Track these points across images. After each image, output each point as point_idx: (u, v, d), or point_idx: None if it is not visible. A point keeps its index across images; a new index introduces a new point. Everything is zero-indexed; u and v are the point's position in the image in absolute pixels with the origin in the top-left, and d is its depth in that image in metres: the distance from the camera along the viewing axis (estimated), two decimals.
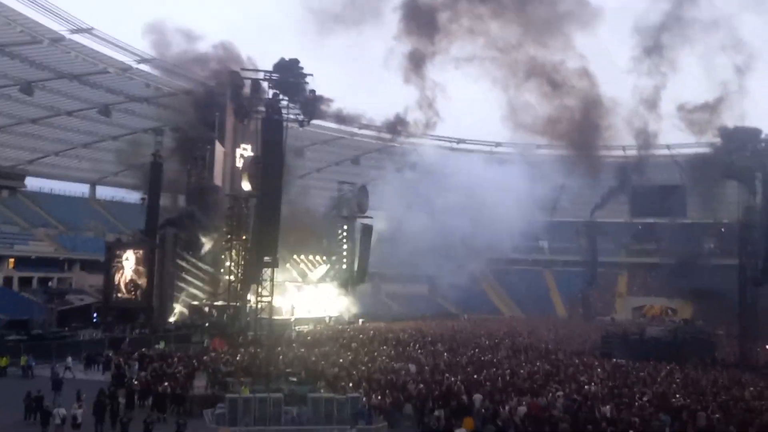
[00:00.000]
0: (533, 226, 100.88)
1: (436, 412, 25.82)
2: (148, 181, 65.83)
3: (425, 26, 70.42)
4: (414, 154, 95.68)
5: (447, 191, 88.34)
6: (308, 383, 29.36)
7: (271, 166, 57.60)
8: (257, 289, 58.46)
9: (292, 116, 61.56)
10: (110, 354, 41.66)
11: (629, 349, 48.30)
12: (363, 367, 36.10)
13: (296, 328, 61.88)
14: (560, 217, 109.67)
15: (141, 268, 60.06)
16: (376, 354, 42.62)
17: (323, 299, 75.10)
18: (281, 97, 60.18)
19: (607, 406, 26.72)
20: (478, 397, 27.97)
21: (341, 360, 38.88)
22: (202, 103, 68.02)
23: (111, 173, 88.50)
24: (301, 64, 61.73)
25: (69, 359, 38.77)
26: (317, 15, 72.01)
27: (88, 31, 61.94)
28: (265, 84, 62.63)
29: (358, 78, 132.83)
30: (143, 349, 42.94)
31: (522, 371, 36.20)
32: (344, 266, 77.25)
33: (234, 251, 60.86)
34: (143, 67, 69.78)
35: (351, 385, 30.74)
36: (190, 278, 62.13)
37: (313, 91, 63.13)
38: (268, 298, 58.53)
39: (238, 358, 40.08)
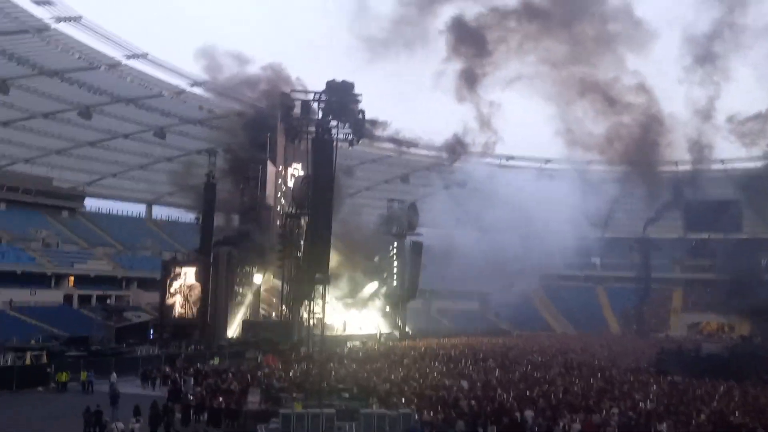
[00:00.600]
0: (585, 243, 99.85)
1: (489, 429, 25.74)
2: (202, 201, 67.16)
3: (474, 45, 70.62)
4: (463, 172, 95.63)
5: (497, 208, 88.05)
6: (360, 399, 29.52)
7: (321, 184, 58.34)
8: (309, 306, 59.03)
9: (341, 136, 62.30)
10: (166, 369, 42.44)
11: (685, 366, 47.29)
12: (414, 384, 36.10)
13: (348, 344, 62.13)
14: (613, 233, 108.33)
15: (196, 286, 61.13)
16: (427, 370, 42.61)
17: (374, 316, 75.36)
18: (331, 117, 60.89)
19: (664, 424, 26.28)
20: (530, 414, 27.80)
21: (393, 376, 38.95)
22: (254, 125, 69.39)
23: (166, 194, 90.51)
24: (351, 84, 62.54)
25: (113, 375, 39.61)
26: (365, 41, 73.22)
27: (143, 56, 63.86)
28: (314, 104, 63.62)
29: (406, 100, 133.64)
30: (198, 365, 43.72)
31: (575, 388, 35.82)
32: (395, 283, 77.48)
33: (286, 269, 61.61)
34: (196, 90, 71.61)
35: (403, 401, 30.83)
36: (243, 295, 63.03)
37: (362, 111, 63.86)
38: (320, 315, 59.06)
39: (291, 374, 40.51)
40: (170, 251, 78.90)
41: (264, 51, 77.28)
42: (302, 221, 62.30)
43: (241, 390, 33.44)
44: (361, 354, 53.81)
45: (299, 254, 61.53)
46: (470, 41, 70.36)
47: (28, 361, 42.43)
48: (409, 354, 53.31)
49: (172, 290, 61.49)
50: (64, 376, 39.66)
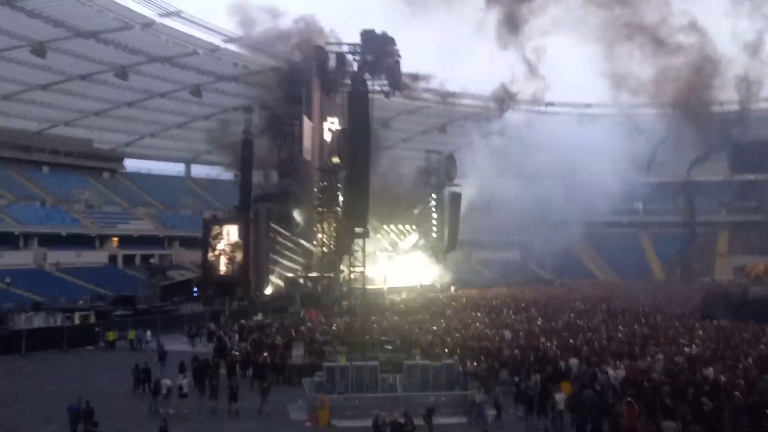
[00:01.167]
0: (628, 188, 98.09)
1: (533, 378, 25.66)
2: (240, 158, 67.38)
3: None
4: (502, 120, 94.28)
5: (537, 155, 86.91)
6: (403, 351, 29.60)
7: (358, 138, 57.95)
8: (350, 260, 59.23)
9: (377, 88, 61.68)
10: (211, 326, 43.08)
11: (732, 310, 46.40)
12: (457, 334, 36.17)
13: (389, 297, 62.38)
14: (656, 177, 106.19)
15: (237, 243, 61.72)
16: (469, 321, 42.65)
17: (415, 268, 75.38)
18: (366, 69, 60.29)
19: (710, 369, 25.91)
20: (574, 362, 27.60)
21: (435, 328, 39.06)
22: (289, 79, 69.02)
23: (204, 152, 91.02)
24: (386, 35, 61.80)
25: (148, 333, 40.27)
26: None
27: (176, 14, 63.56)
28: (349, 57, 62.94)
29: (448, 53, 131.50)
30: (242, 321, 44.29)
31: (619, 335, 35.51)
32: (434, 234, 77.29)
33: (326, 223, 61.83)
34: (230, 46, 71.23)
35: (446, 352, 30.87)
36: (284, 251, 63.51)
37: (398, 62, 63.14)
38: (361, 269, 59.25)
39: (333, 327, 40.84)
40: (210, 209, 79.80)
41: (298, 3, 75.96)
42: (340, 175, 62.19)
43: (285, 344, 33.81)
44: (402, 306, 53.98)
45: (338, 208, 61.58)
46: None
47: (76, 321, 43.57)
48: (450, 305, 53.41)
49: (213, 248, 62.20)
50: (112, 335, 40.52)
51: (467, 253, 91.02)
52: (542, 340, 33.55)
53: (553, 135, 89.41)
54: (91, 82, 71.11)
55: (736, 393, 22.04)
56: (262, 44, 71.17)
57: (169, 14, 63.50)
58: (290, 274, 63.42)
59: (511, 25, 70.45)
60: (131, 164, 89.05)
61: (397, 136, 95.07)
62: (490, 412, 24.13)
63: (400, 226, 76.83)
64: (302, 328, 40.23)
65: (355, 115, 59.02)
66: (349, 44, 65.47)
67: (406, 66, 68.51)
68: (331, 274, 61.20)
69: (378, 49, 62.84)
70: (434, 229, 77.36)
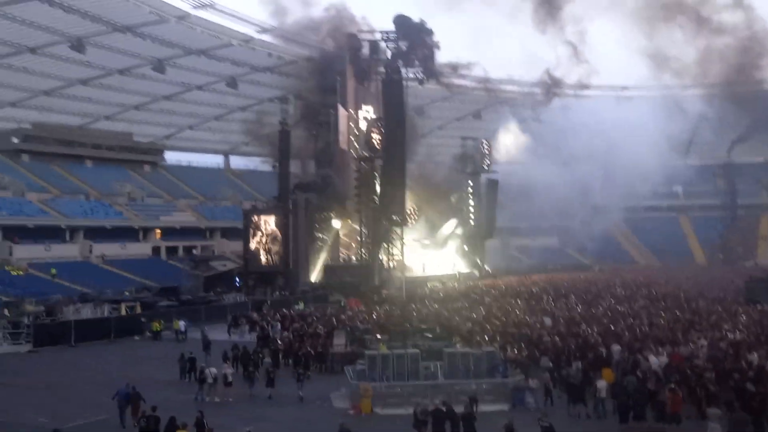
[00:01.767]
0: (667, 171, 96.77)
1: (574, 365, 25.65)
2: (277, 149, 67.89)
3: None
4: (537, 104, 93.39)
5: (575, 139, 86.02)
6: (443, 339, 29.76)
7: (393, 126, 58.04)
8: (388, 248, 59.38)
9: (411, 75, 61.58)
10: (254, 316, 43.66)
11: None
12: (497, 322, 36.20)
13: (428, 284, 62.49)
14: (695, 160, 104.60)
15: (277, 233, 62.27)
16: (509, 308, 42.62)
17: (453, 255, 75.37)
18: (400, 59, 60.15)
19: (755, 354, 25.67)
20: (616, 348, 27.50)
21: (474, 315, 39.15)
22: (323, 69, 69.23)
23: (242, 143, 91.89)
24: (422, 24, 61.62)
25: (181, 323, 40.92)
26: None
27: (210, 5, 64.14)
28: (383, 44, 62.88)
29: (486, 41, 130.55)
30: (284, 310, 44.81)
31: (661, 321, 35.27)
32: (472, 222, 77.12)
33: (364, 212, 62.08)
34: (264, 37, 71.65)
35: (486, 339, 30.96)
36: (323, 240, 63.96)
37: (431, 48, 62.96)
38: (399, 257, 59.38)
39: (374, 316, 41.14)
40: (250, 200, 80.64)
41: None
42: (377, 164, 62.35)
43: (326, 333, 34.19)
44: (441, 294, 54.04)
45: (375, 197, 61.78)
46: None
47: (123, 312, 44.51)
48: (489, 293, 53.35)
49: (254, 238, 62.83)
50: (157, 325, 41.32)
51: (505, 240, 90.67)
52: (583, 326, 33.46)
53: (590, 118, 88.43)
54: (129, 76, 72.24)
55: None
56: (295, 34, 71.50)
57: (203, 6, 64.11)
58: (329, 263, 63.89)
59: (551, 7, 69.40)
60: (171, 157, 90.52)
61: (432, 123, 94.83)
62: (531, 399, 24.25)
63: (438, 214, 76.67)
64: (343, 316, 40.59)
65: (389, 103, 59.09)
66: (382, 32, 65.45)
67: (444, 54, 68.43)
68: (370, 263, 61.44)
69: (413, 36, 62.71)
70: (471, 216, 77.16)
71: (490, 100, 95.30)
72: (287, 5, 71.05)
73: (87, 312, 43.92)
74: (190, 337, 39.18)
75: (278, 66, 77.66)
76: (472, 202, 77.45)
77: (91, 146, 79.25)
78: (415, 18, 63.65)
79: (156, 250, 74.03)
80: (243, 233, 64.59)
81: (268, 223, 62.90)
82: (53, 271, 59.06)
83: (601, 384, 22.98)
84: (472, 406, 20.58)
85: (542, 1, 70.00)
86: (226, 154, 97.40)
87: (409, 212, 64.00)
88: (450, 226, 77.03)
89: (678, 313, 38.03)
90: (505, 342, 30.33)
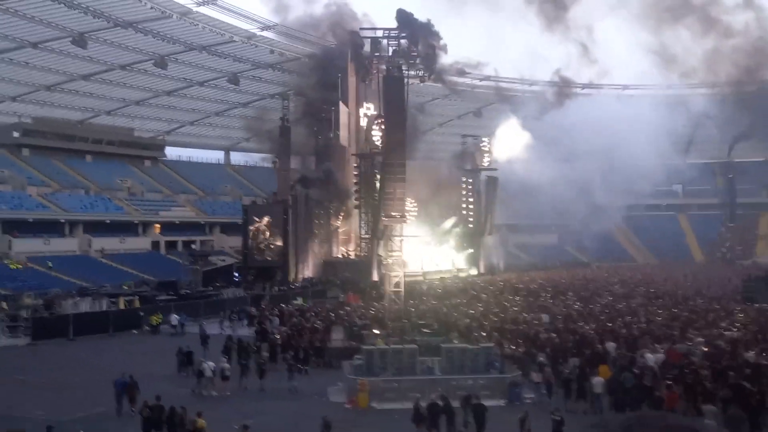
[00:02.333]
0: (666, 170, 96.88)
1: (570, 361, 25.73)
2: (278, 145, 67.94)
3: None
4: (538, 102, 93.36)
5: (574, 137, 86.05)
6: (441, 334, 29.86)
7: (394, 123, 57.94)
8: (387, 244, 59.44)
9: (413, 72, 61.59)
10: (252, 311, 43.75)
11: None
12: (494, 318, 36.29)
13: (427, 280, 62.58)
14: (694, 158, 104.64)
15: (276, 229, 62.33)
16: (506, 304, 42.71)
17: (452, 252, 75.43)
18: (400, 56, 60.12)
19: (751, 352, 25.74)
20: (612, 345, 27.62)
21: (472, 311, 39.24)
22: (324, 66, 69.24)
23: (243, 139, 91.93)
24: (428, 24, 61.72)
25: (174, 316, 41.00)
26: None
27: (212, 2, 64.04)
28: (384, 42, 62.88)
29: (493, 42, 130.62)
30: (282, 305, 44.91)
31: (658, 318, 35.36)
32: (471, 219, 77.16)
33: (363, 208, 62.11)
34: (267, 34, 71.61)
35: (484, 335, 31.05)
36: (322, 236, 64.01)
37: (433, 46, 62.99)
38: (398, 253, 59.38)
39: (372, 311, 41.22)
40: (250, 195, 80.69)
41: None
42: (377, 160, 62.38)
43: (324, 328, 34.30)
44: (440, 290, 54.14)
45: (375, 194, 61.82)
46: None
47: (121, 306, 44.63)
48: (487, 289, 53.46)
49: (253, 233, 62.91)
50: (155, 319, 41.41)
51: (504, 237, 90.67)
52: (580, 323, 33.57)
53: (590, 116, 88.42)
54: (131, 72, 72.24)
55: None
56: (297, 31, 71.51)
57: (205, 2, 64.07)
58: (329, 259, 63.95)
59: (557, 9, 69.11)
60: (172, 152, 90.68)
61: (433, 120, 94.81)
62: (528, 395, 24.34)
63: (437, 211, 76.65)
64: (341, 312, 40.68)
65: (390, 101, 59.00)
66: (384, 29, 65.41)
67: (453, 55, 68.50)
68: (369, 259, 61.51)
69: (415, 32, 62.71)
70: (470, 213, 77.17)
71: (495, 98, 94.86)
72: (289, 2, 71.21)
73: (85, 306, 43.99)
74: (188, 331, 39.31)
75: (280, 63, 77.64)
76: (471, 200, 77.49)
77: (92, 141, 79.32)
78: (422, 19, 63.81)
79: (155, 244, 74.15)
80: (242, 228, 64.69)
81: (268, 218, 62.96)
82: (49, 264, 59.19)
83: (597, 380, 23.07)
84: (468, 404, 20.75)
85: (548, 2, 69.76)
86: (226, 150, 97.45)
87: (408, 209, 63.98)
88: (449, 223, 77.03)
89: (675, 311, 38.13)
90: (503, 338, 30.43)
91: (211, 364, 26.32)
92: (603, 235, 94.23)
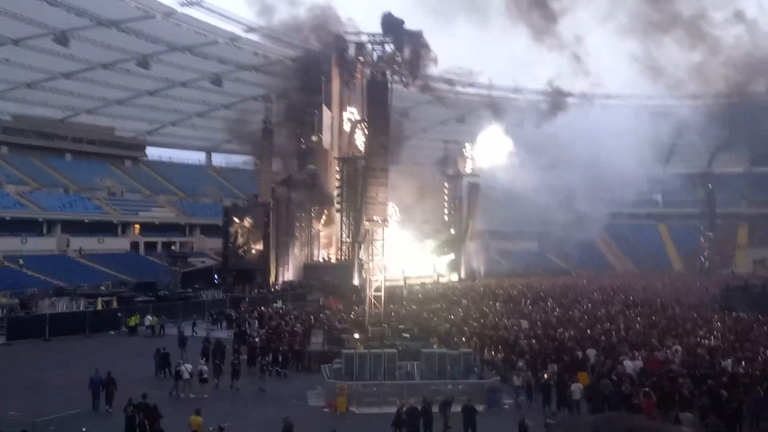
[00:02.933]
0: (646, 179, 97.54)
1: (549, 368, 25.79)
2: (260, 147, 67.71)
3: None
4: (520, 110, 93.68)
5: (555, 146, 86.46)
6: (421, 339, 29.84)
7: (377, 127, 57.89)
8: (368, 249, 59.37)
9: (396, 77, 61.70)
10: (232, 313, 43.50)
11: (751, 302, 46.32)
12: (474, 324, 36.32)
13: (407, 285, 62.54)
14: (674, 168, 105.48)
15: (257, 231, 62.08)
16: (486, 310, 42.78)
17: (432, 257, 75.42)
18: (383, 62, 60.20)
19: (728, 361, 25.94)
20: (591, 352, 27.73)
21: (452, 316, 39.26)
22: (308, 69, 69.10)
23: (225, 141, 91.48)
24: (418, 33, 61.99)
25: (148, 317, 40.72)
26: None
27: (197, 3, 63.82)
28: (369, 46, 62.93)
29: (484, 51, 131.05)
30: (262, 308, 44.68)
31: (637, 326, 35.55)
32: (452, 224, 77.22)
33: (345, 212, 62.01)
34: (251, 36, 71.39)
35: (463, 340, 31.06)
36: (303, 239, 63.82)
37: (417, 51, 63.13)
38: (379, 257, 59.35)
39: (352, 315, 41.11)
40: (231, 197, 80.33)
41: None
42: (359, 164, 62.31)
43: (304, 332, 34.15)
44: (420, 295, 54.15)
45: (357, 198, 61.72)
46: None
47: (99, 307, 44.20)
48: (468, 294, 53.50)
49: (233, 236, 62.62)
50: (133, 321, 41.05)
51: (485, 243, 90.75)
52: (560, 330, 33.66)
53: (572, 124, 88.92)
54: (113, 71, 71.67)
55: (758, 387, 22.15)
56: (281, 33, 71.35)
57: (189, 3, 63.81)
58: (309, 262, 63.75)
59: (546, 21, 69.44)
60: (153, 152, 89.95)
61: (416, 125, 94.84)
62: (507, 401, 24.34)
63: (419, 216, 76.67)
64: (321, 315, 40.55)
65: (374, 105, 59.00)
66: (368, 33, 65.44)
67: (444, 64, 68.93)
68: (350, 263, 61.39)
69: (400, 37, 62.78)
70: (452, 219, 77.21)
71: (480, 105, 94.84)
72: (274, 5, 70.94)
73: (62, 306, 43.57)
74: (166, 333, 39.03)
75: (263, 65, 77.40)
76: (453, 205, 77.60)
77: (72, 140, 78.63)
78: (417, 29, 64.21)
79: (134, 245, 73.61)
80: (223, 230, 64.36)
81: (249, 220, 62.71)
82: (21, 261, 58.54)
83: (576, 387, 23.13)
84: (446, 409, 20.79)
85: (537, 15, 70.08)
86: (208, 152, 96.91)
87: (390, 214, 63.96)
88: (430, 228, 77.03)
89: (654, 319, 38.35)
90: (482, 344, 30.44)
91: (189, 366, 26.16)
92: (584, 243, 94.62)
